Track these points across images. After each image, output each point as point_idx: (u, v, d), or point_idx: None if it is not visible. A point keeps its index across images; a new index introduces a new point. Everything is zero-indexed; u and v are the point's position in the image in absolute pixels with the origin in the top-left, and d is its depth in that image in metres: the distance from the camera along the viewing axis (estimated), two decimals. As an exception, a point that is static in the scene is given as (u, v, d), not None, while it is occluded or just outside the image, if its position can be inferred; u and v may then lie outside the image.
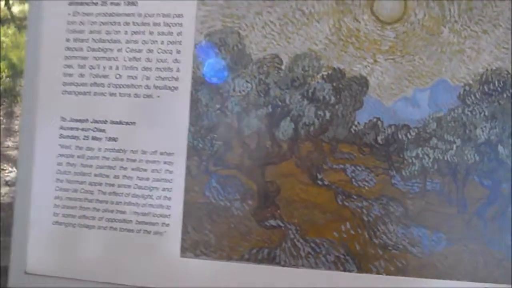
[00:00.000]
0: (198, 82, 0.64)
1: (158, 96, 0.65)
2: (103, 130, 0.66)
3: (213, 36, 0.65)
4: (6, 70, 4.21)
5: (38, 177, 0.67)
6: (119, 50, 0.66)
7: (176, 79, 0.65)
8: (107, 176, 0.65)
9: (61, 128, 0.67)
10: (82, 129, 0.66)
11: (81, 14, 0.67)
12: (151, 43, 0.65)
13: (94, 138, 0.66)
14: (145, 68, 0.65)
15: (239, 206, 0.64)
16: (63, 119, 0.67)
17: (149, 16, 0.65)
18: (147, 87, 0.65)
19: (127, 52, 0.65)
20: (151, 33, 0.65)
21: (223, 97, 0.64)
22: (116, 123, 0.66)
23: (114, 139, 0.66)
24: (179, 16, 0.65)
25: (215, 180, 0.64)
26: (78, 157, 0.66)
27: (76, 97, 0.67)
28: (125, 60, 0.66)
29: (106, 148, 0.66)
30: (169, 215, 0.64)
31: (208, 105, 0.64)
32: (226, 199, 0.64)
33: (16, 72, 4.12)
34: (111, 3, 0.66)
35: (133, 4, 0.66)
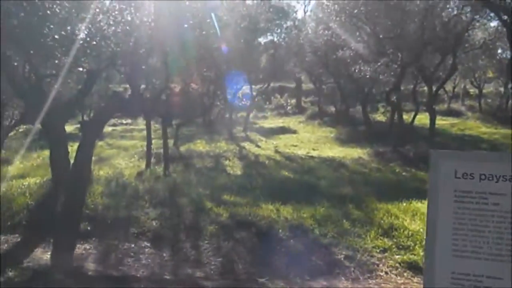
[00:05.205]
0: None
1: None
2: (480, 281, 1.05)
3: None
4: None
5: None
6: (487, 226, 1.06)
7: (524, 248, 1.06)
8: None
9: (452, 278, 1.05)
10: (467, 280, 1.05)
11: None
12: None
13: (475, 286, 1.05)
14: (498, 237, 1.06)
15: None
16: (453, 272, 1.05)
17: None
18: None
19: (494, 228, 1.06)
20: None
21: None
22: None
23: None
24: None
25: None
26: (464, 298, 1.04)
27: (461, 259, 1.06)
28: (489, 232, 1.06)
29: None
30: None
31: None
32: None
33: (197, 208, 4.16)
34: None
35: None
